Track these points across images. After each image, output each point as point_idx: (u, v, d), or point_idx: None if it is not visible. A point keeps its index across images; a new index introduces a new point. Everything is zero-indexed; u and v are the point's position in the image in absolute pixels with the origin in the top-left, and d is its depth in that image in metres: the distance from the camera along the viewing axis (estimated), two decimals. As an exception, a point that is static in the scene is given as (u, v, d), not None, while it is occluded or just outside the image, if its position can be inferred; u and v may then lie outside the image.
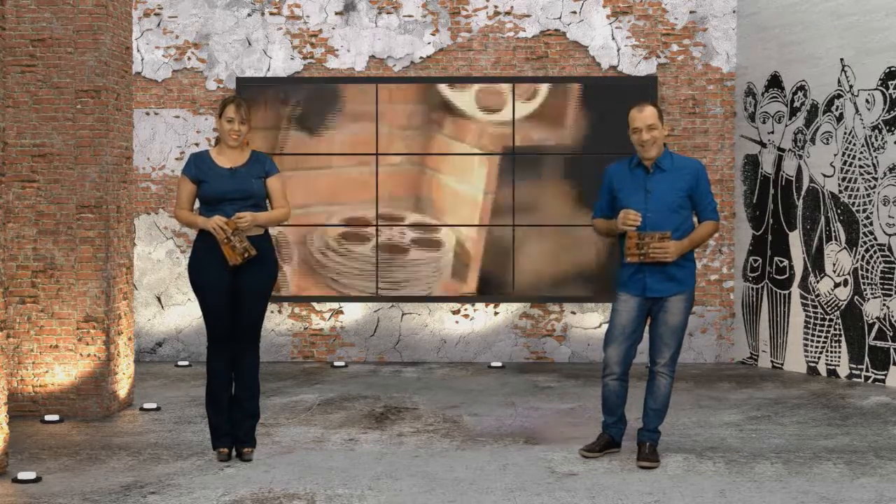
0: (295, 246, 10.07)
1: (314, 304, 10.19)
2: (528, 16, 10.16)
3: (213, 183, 6.01)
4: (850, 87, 8.94)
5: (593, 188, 9.93)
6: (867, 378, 8.78)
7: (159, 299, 10.25)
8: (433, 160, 10.05)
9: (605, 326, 6.27)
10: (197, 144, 10.13)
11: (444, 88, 10.03)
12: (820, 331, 9.22)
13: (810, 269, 9.30)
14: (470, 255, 10.07)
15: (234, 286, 6.05)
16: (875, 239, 8.70)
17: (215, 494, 5.43)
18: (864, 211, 8.78)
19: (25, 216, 7.38)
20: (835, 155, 9.06)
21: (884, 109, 8.65)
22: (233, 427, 6.16)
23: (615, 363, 6.14)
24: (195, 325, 10.17)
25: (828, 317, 9.14)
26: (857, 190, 8.85)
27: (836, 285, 9.05)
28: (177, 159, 10.18)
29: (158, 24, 10.19)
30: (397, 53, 10.18)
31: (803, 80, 9.41)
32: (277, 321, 10.17)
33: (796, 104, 9.47)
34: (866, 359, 8.80)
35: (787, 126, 9.57)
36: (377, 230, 10.07)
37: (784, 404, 7.96)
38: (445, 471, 5.93)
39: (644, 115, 5.97)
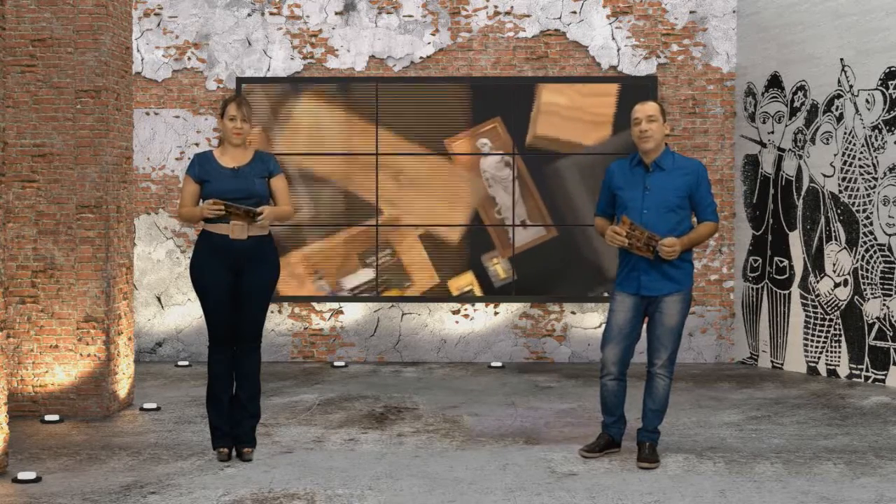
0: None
1: (314, 304, 10.19)
2: (528, 16, 10.16)
3: (217, 183, 6.01)
4: (850, 87, 8.94)
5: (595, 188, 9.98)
6: (867, 378, 8.78)
7: (159, 299, 10.25)
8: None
9: (605, 326, 6.27)
10: (197, 144, 10.13)
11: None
12: (820, 331, 9.22)
13: (810, 269, 9.30)
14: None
15: (235, 286, 6.05)
16: (875, 239, 8.71)
17: (215, 494, 5.43)
18: (864, 211, 8.78)
19: (25, 216, 7.38)
20: (835, 155, 9.06)
21: (884, 109, 8.65)
22: (233, 427, 6.16)
23: (612, 363, 6.15)
24: (195, 325, 10.17)
25: (828, 317, 9.14)
26: (857, 190, 8.85)
27: (836, 285, 9.05)
28: (177, 159, 10.18)
29: (158, 24, 10.19)
30: (397, 53, 10.18)
31: (803, 80, 9.41)
32: (277, 321, 10.17)
33: (796, 104, 9.47)
34: (866, 359, 8.80)
35: (787, 126, 9.57)
36: (377, 230, 10.06)
37: (784, 404, 7.96)
38: (445, 471, 5.93)
39: (645, 107, 6.07)
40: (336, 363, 9.90)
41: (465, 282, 10.09)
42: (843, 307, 9.00)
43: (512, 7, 10.16)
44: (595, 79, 10.07)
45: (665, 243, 5.89)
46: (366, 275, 10.09)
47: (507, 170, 10.04)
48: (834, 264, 9.07)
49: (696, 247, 6.22)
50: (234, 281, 6.05)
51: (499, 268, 10.01)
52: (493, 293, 10.10)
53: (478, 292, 10.10)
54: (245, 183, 6.04)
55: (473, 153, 10.05)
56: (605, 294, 10.02)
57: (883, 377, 8.65)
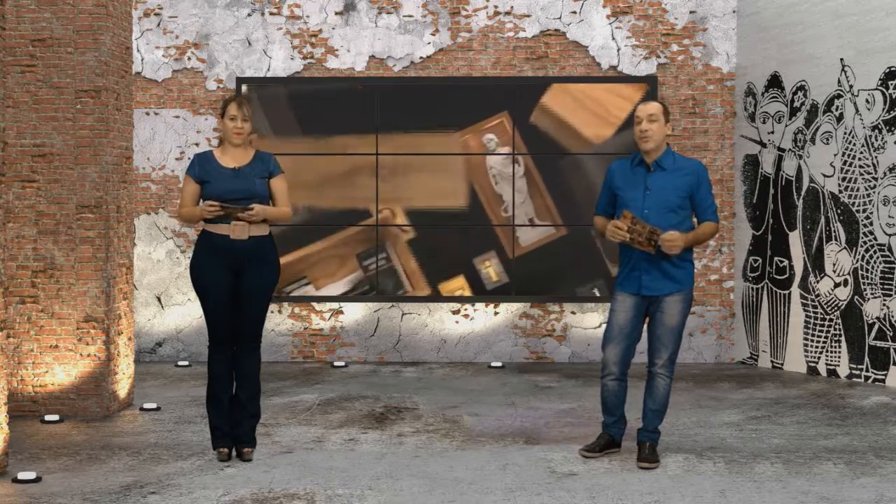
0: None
1: (314, 304, 10.19)
2: (528, 16, 10.16)
3: (217, 183, 6.01)
4: (850, 87, 8.94)
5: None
6: (867, 378, 8.78)
7: (159, 299, 10.25)
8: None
9: (605, 326, 6.27)
10: (197, 144, 10.13)
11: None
12: (820, 331, 9.22)
13: (810, 269, 9.30)
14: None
15: (235, 286, 6.05)
16: (875, 239, 8.71)
17: (215, 494, 5.43)
18: (864, 211, 8.78)
19: (25, 216, 7.38)
20: (835, 155, 9.06)
21: (884, 109, 8.65)
22: (233, 427, 6.16)
23: (613, 363, 6.15)
24: (195, 325, 10.17)
25: (828, 317, 9.14)
26: (857, 190, 8.85)
27: (836, 285, 9.05)
28: (177, 159, 10.18)
29: (158, 24, 10.19)
30: (397, 53, 10.18)
31: (803, 80, 9.41)
32: (277, 321, 10.17)
33: (796, 104, 9.47)
34: (866, 359, 8.80)
35: (787, 126, 9.57)
36: (377, 230, 10.06)
37: (784, 404, 7.96)
38: (445, 471, 5.93)
39: (647, 107, 6.08)
40: (336, 363, 9.90)
41: (457, 286, 10.08)
42: (843, 307, 9.00)
43: (512, 7, 10.16)
44: (594, 79, 10.07)
45: (667, 237, 5.89)
46: (364, 277, 10.09)
47: (515, 166, 10.03)
48: (834, 264, 9.07)
49: (696, 246, 6.22)
50: (234, 281, 6.05)
51: (491, 270, 10.01)
52: (485, 294, 10.10)
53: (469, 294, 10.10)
54: (245, 183, 6.03)
55: (478, 153, 10.04)
56: (596, 292, 10.01)
57: (883, 377, 8.65)
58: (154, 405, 7.73)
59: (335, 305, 10.19)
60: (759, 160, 9.87)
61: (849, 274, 8.93)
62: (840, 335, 9.04)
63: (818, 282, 9.22)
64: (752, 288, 9.94)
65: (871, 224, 8.74)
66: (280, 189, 6.15)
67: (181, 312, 10.22)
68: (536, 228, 10.07)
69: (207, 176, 6.04)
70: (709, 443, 6.64)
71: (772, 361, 9.73)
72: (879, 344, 8.69)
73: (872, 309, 8.73)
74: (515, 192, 10.04)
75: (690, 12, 10.15)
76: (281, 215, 6.16)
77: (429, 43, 10.18)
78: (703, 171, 6.09)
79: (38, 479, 5.68)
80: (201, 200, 6.11)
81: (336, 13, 10.20)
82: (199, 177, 6.06)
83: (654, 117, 6.02)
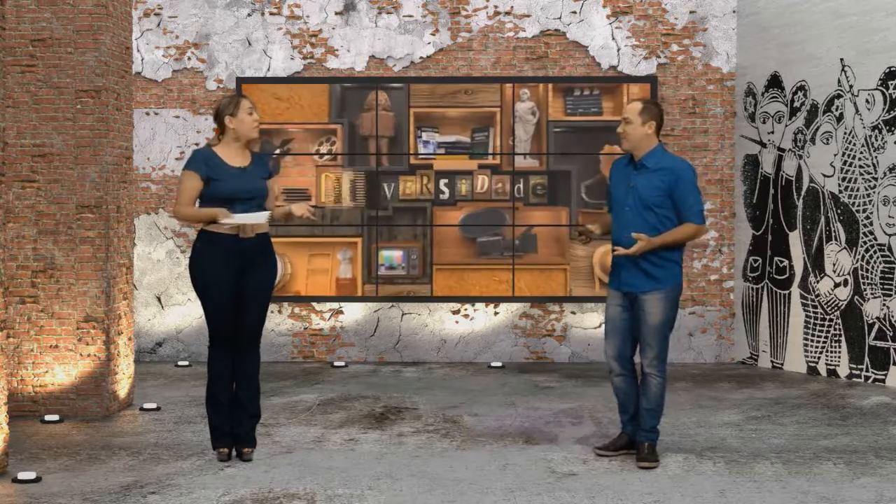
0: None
1: (314, 304, 10.19)
2: (528, 16, 10.16)
3: (227, 182, 5.98)
4: (850, 87, 8.94)
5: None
6: (867, 378, 8.78)
7: (159, 299, 10.25)
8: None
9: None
10: (197, 144, 10.13)
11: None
12: (820, 331, 9.22)
13: (810, 269, 9.30)
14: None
15: (237, 286, 6.05)
16: (875, 239, 8.71)
17: (215, 494, 5.43)
18: (864, 211, 8.79)
19: (25, 216, 7.38)
20: (835, 155, 9.06)
21: (884, 109, 8.65)
22: (233, 427, 6.16)
23: (612, 358, 6.21)
24: (195, 325, 10.17)
25: (828, 317, 9.14)
26: (857, 190, 8.86)
27: (836, 285, 9.05)
28: (177, 159, 10.18)
29: (158, 24, 10.19)
30: (397, 53, 10.18)
31: (803, 80, 9.41)
32: (277, 321, 10.17)
33: (796, 104, 9.47)
34: (866, 359, 8.80)
35: (787, 126, 9.57)
36: (377, 230, 10.07)
37: (784, 404, 7.97)
38: (445, 471, 5.93)
39: (625, 108, 6.21)
40: (336, 363, 9.90)
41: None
42: (843, 307, 9.00)
43: (512, 7, 10.16)
44: (594, 79, 10.07)
45: (632, 249, 5.95)
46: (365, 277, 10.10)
47: (533, 118, 10.01)
48: (834, 264, 9.07)
49: (671, 246, 6.07)
50: (237, 281, 6.04)
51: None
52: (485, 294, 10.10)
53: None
54: (252, 182, 6.06)
55: (464, 154, 10.05)
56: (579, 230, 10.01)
57: (883, 377, 8.65)
58: (154, 405, 7.73)
59: (335, 305, 10.20)
60: (759, 160, 9.87)
61: (849, 274, 8.93)
62: (840, 335, 9.04)
63: (818, 282, 9.23)
64: (752, 288, 9.94)
65: (871, 224, 8.74)
66: (274, 190, 6.33)
67: (181, 312, 10.22)
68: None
69: (215, 174, 5.99)
70: (709, 443, 6.64)
71: (772, 361, 9.73)
72: (879, 344, 8.69)
73: (872, 309, 8.73)
74: (523, 131, 10.00)
75: (690, 12, 10.15)
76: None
77: (429, 43, 10.18)
78: (683, 171, 6.04)
79: (38, 479, 5.68)
80: (197, 200, 6.09)
81: (336, 13, 10.20)
82: (207, 175, 6.00)
83: (628, 120, 6.11)
